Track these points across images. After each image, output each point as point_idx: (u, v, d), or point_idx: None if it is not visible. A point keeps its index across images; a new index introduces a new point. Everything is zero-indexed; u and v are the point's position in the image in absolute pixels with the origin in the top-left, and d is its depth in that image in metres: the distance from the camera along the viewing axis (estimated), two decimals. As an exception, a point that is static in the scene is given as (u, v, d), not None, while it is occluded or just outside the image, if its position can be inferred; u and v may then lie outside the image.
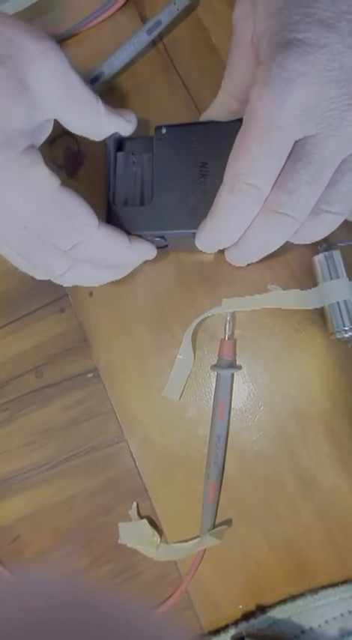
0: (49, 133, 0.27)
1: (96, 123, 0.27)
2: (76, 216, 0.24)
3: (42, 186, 0.23)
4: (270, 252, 0.25)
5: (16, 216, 0.23)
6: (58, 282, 0.27)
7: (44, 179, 0.23)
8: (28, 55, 0.23)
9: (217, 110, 0.27)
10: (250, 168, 0.21)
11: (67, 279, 0.27)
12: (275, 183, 0.22)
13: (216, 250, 0.27)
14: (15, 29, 0.23)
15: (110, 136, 0.28)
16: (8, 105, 0.22)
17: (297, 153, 0.21)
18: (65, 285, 0.28)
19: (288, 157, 0.21)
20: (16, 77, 0.23)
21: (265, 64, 0.20)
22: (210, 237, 0.25)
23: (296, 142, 0.21)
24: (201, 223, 0.25)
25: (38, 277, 0.29)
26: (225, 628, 0.30)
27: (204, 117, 0.28)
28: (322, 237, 0.24)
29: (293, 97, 0.19)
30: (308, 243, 0.25)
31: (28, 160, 0.23)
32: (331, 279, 0.29)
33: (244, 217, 0.23)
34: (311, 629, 0.29)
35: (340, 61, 0.19)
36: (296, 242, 0.25)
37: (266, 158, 0.21)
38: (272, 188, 0.22)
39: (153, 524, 0.32)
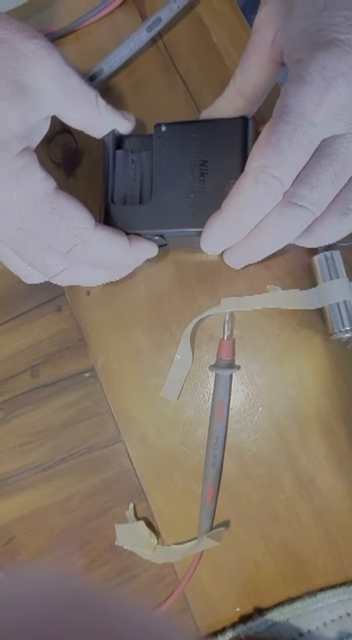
0: (47, 130, 0.27)
1: (96, 117, 0.27)
2: (71, 219, 0.24)
3: (36, 190, 0.23)
4: (278, 248, 0.25)
5: (10, 218, 0.23)
6: (54, 282, 0.27)
7: (38, 182, 0.23)
8: (21, 55, 0.23)
9: (222, 106, 0.27)
10: (277, 162, 0.21)
11: (63, 279, 0.27)
12: (296, 178, 0.22)
13: (219, 252, 0.26)
14: (7, 29, 0.23)
15: (108, 134, 0.28)
16: (1, 109, 0.22)
17: (324, 150, 0.21)
18: (61, 285, 0.28)
19: (313, 154, 0.21)
20: (10, 79, 0.23)
21: (303, 61, 0.20)
22: (220, 231, 0.24)
23: (323, 140, 0.21)
24: (208, 221, 0.25)
25: (30, 281, 0.28)
26: (222, 631, 0.30)
27: (206, 114, 0.27)
28: (344, 236, 0.24)
29: (331, 96, 0.20)
30: (327, 244, 0.25)
31: (22, 163, 0.23)
32: (331, 279, 0.28)
33: (261, 210, 0.23)
34: (309, 631, 0.28)
35: None
36: (316, 245, 0.25)
37: (295, 154, 0.21)
38: (293, 182, 0.22)
39: (150, 525, 0.32)
